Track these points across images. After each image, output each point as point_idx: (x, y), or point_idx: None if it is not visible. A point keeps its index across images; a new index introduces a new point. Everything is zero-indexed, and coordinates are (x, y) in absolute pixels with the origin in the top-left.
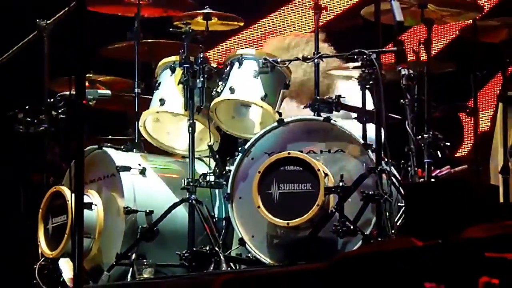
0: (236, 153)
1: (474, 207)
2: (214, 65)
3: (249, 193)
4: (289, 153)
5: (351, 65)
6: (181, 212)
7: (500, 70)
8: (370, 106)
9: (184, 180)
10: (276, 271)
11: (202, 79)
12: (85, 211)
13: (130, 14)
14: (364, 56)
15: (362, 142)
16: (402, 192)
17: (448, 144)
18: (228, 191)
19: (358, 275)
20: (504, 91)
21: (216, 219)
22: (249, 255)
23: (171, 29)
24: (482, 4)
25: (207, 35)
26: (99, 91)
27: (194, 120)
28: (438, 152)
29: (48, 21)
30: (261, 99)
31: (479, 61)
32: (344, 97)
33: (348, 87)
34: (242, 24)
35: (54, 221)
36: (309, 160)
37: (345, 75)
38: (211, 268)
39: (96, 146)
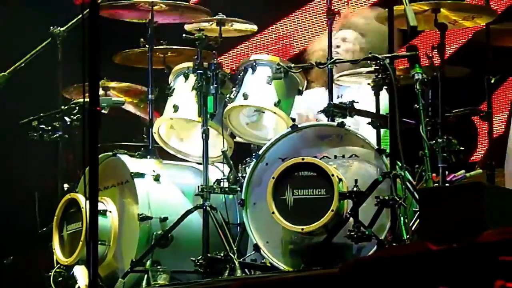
0: (250, 159)
1: (488, 211)
2: (227, 71)
3: (263, 199)
4: (303, 159)
5: (365, 70)
6: (196, 218)
7: None
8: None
9: (198, 187)
10: (290, 276)
11: (215, 85)
12: (100, 218)
13: (144, 20)
14: (378, 61)
15: (376, 147)
16: (417, 197)
17: (463, 148)
18: (242, 197)
19: (372, 280)
20: None
21: (231, 225)
22: (264, 261)
23: (184, 35)
24: (495, 8)
25: (220, 41)
26: (113, 98)
27: (208, 127)
28: (453, 157)
29: (62, 28)
30: (275, 105)
31: (493, 65)
32: (357, 102)
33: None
34: (255, 30)
35: (69, 228)
36: (323, 166)
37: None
38: (226, 274)
39: (110, 153)
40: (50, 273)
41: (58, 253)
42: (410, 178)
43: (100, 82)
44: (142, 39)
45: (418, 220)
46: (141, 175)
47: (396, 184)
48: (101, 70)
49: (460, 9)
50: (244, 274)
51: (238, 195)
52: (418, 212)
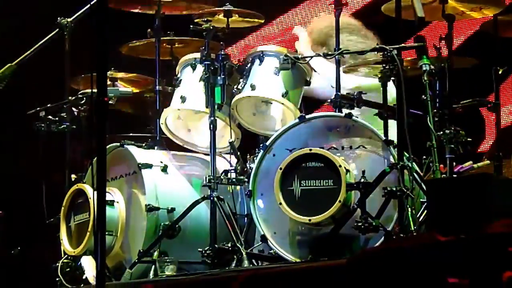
0: (257, 150)
1: (496, 202)
2: (235, 62)
3: (270, 190)
4: (310, 150)
5: (372, 61)
6: (203, 209)
7: None
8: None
9: (206, 177)
10: (298, 267)
11: (223, 76)
12: (107, 208)
13: (151, 11)
14: (385, 52)
15: (384, 138)
16: (424, 188)
17: (470, 139)
18: (250, 188)
19: (380, 271)
20: None
21: (238, 216)
22: (271, 251)
23: (192, 26)
24: None
25: (228, 32)
26: (121, 89)
27: (215, 117)
28: (460, 148)
29: (69, 19)
30: (282, 96)
31: (500, 56)
32: (365, 93)
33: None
34: (262, 21)
35: (76, 218)
36: (331, 157)
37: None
38: (233, 265)
39: (117, 144)
40: (57, 264)
41: (65, 244)
42: (417, 169)
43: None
44: (149, 30)
45: (425, 211)
46: (149, 166)
47: (404, 175)
48: (108, 61)
49: (467, 0)
50: (251, 265)
51: (246, 186)
52: (425, 203)
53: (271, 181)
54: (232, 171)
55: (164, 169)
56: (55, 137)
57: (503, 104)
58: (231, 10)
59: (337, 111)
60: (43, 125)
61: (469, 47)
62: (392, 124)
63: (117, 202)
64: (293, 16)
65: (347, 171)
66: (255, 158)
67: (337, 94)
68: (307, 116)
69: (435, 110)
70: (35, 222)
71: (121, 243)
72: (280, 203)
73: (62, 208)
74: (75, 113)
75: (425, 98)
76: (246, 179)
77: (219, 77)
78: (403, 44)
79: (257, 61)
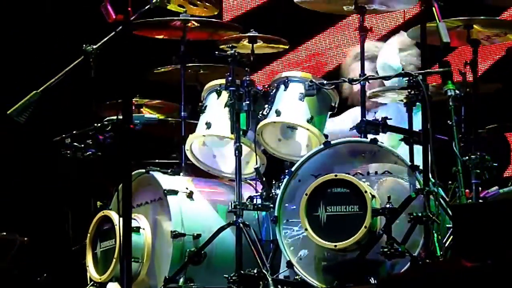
0: (283, 176)
1: None
2: (260, 87)
3: (296, 216)
4: (336, 175)
5: (398, 86)
6: (229, 235)
7: None
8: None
9: (231, 203)
10: None
11: (248, 102)
12: (133, 235)
13: (176, 37)
14: (411, 78)
15: (409, 163)
16: (450, 213)
17: (496, 164)
18: (275, 213)
19: None
20: None
21: (264, 242)
22: (297, 277)
23: (217, 52)
24: None
25: (252, 58)
26: (146, 115)
27: (241, 143)
28: (486, 173)
29: (95, 46)
30: (307, 121)
31: None
32: (391, 119)
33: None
34: (287, 46)
35: (102, 245)
36: (356, 182)
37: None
38: None
39: (143, 170)
40: None
41: (91, 270)
42: (443, 194)
43: (133, 99)
44: (174, 56)
45: (451, 237)
46: (174, 192)
47: (430, 201)
48: (134, 88)
49: (492, 25)
50: None
51: (271, 211)
52: (451, 229)
53: (296, 206)
54: (258, 197)
55: (190, 195)
56: (81, 164)
57: None
58: (256, 36)
59: (362, 136)
60: (69, 151)
61: (494, 72)
62: (418, 150)
63: (143, 228)
64: (319, 42)
65: (373, 196)
66: (280, 183)
67: (362, 120)
68: (332, 142)
69: (460, 135)
70: (61, 248)
71: (147, 270)
72: (306, 229)
73: (88, 234)
74: (101, 139)
75: (450, 123)
76: (271, 205)
77: (244, 103)
78: (428, 70)
79: (282, 87)
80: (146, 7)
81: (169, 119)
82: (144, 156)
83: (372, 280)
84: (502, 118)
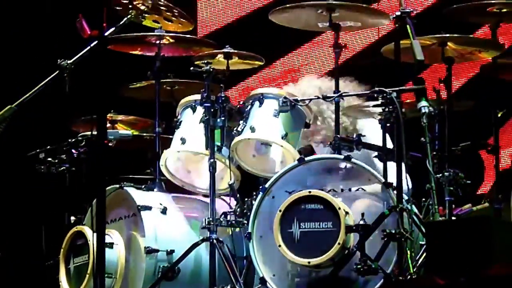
0: (257, 192)
1: (496, 244)
2: (235, 104)
3: (270, 232)
4: (310, 192)
5: (371, 103)
6: (202, 251)
7: None
8: (390, 144)
9: (205, 219)
10: None
11: (223, 118)
12: (107, 250)
13: (151, 53)
14: (385, 95)
15: (383, 180)
16: (424, 230)
17: (469, 182)
18: (249, 230)
19: None
20: None
21: (237, 258)
22: None
23: (192, 68)
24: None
25: (228, 74)
26: (120, 131)
27: (215, 159)
28: (459, 190)
29: (69, 61)
30: (282, 138)
31: (500, 99)
32: (364, 136)
33: (369, 125)
34: (262, 63)
35: (76, 261)
36: (330, 199)
37: (366, 112)
38: None
39: (117, 186)
40: None
41: (64, 286)
42: (416, 211)
43: (107, 115)
44: (149, 72)
45: (424, 254)
46: (148, 208)
47: (403, 218)
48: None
49: (466, 43)
50: None
51: (245, 228)
52: (424, 246)
53: (270, 223)
54: (232, 213)
55: (164, 211)
56: (54, 179)
57: (502, 146)
58: (231, 52)
59: (336, 153)
60: (42, 166)
61: (469, 89)
62: (391, 166)
63: (117, 244)
64: (294, 58)
65: (346, 213)
66: (254, 200)
67: (336, 137)
68: (306, 158)
69: (434, 153)
70: (34, 264)
71: (120, 286)
72: (280, 245)
73: (62, 250)
74: (75, 155)
75: (424, 140)
76: (245, 221)
77: (219, 119)
78: (402, 87)
79: (257, 103)
80: (121, 23)
81: (144, 134)
82: (118, 171)
83: None
84: (475, 135)
